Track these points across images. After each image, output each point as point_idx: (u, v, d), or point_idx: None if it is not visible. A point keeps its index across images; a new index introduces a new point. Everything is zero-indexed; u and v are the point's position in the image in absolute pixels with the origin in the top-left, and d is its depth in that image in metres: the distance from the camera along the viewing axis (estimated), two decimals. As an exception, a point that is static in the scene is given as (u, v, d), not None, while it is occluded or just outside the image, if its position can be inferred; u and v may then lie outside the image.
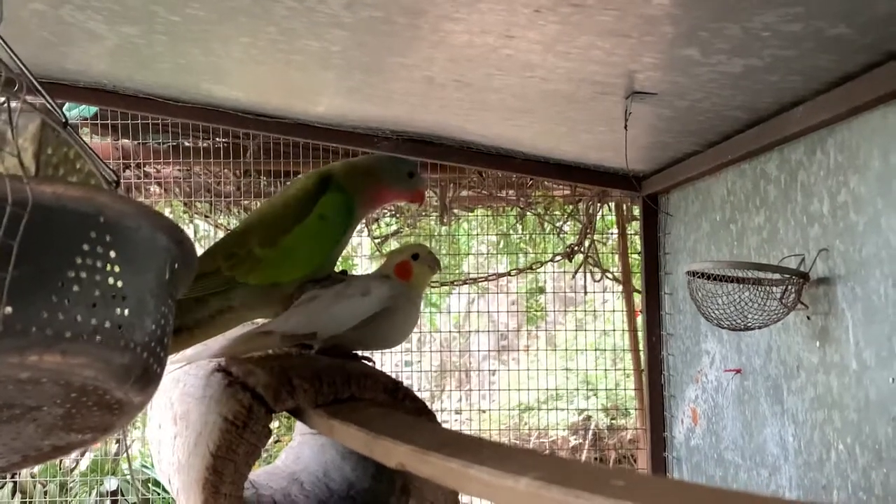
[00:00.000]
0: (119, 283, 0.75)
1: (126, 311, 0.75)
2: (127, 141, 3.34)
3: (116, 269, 0.75)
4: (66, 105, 3.04)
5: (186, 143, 3.39)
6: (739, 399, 2.33)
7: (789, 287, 1.88)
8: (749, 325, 1.94)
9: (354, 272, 1.33)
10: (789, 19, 1.38)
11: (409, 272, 1.27)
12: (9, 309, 0.67)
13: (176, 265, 0.84)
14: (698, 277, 2.01)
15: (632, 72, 1.79)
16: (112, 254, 0.75)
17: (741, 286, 1.93)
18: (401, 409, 1.12)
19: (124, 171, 3.31)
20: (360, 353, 1.26)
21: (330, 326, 1.21)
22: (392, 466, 0.80)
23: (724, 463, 2.45)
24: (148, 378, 0.79)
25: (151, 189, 3.55)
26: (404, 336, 1.30)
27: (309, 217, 1.23)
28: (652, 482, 0.62)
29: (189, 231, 3.50)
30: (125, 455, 3.70)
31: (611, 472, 0.62)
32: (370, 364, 1.24)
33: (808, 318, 1.92)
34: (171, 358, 1.19)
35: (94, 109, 3.20)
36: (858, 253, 1.72)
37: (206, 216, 3.63)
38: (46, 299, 0.70)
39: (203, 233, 3.72)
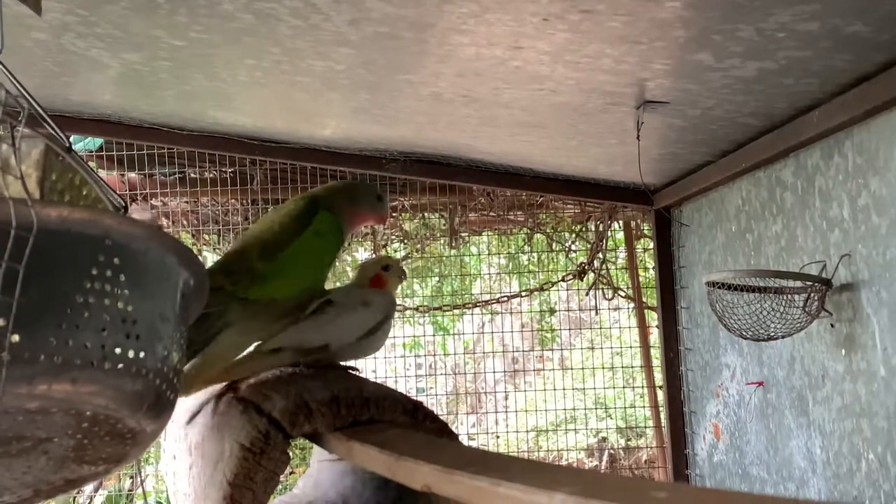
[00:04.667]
0: (129, 308, 0.72)
1: (137, 337, 0.72)
2: (133, 174, 3.32)
3: (126, 293, 0.72)
4: (73, 138, 3.03)
5: (193, 174, 3.37)
6: (763, 412, 2.28)
7: (812, 294, 1.84)
8: (771, 334, 1.90)
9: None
10: (805, 17, 1.35)
11: (384, 283, 1.34)
12: (16, 337, 0.64)
13: (187, 288, 0.81)
14: (718, 288, 1.97)
15: (642, 80, 1.76)
16: (121, 277, 0.72)
17: (762, 295, 1.89)
18: (421, 429, 1.10)
19: (131, 204, 3.29)
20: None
21: (343, 337, 1.23)
22: (417, 488, 0.77)
23: (749, 478, 2.40)
24: (161, 405, 0.76)
25: (159, 222, 3.53)
26: (383, 344, 1.35)
27: (305, 233, 1.26)
28: (694, 492, 0.59)
29: (198, 262, 3.47)
30: (140, 491, 3.66)
31: (650, 484, 0.59)
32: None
33: (832, 325, 1.88)
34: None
35: (99, 142, 3.19)
36: (882, 256, 1.69)
37: (214, 247, 3.61)
38: (54, 326, 0.67)
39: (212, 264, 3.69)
